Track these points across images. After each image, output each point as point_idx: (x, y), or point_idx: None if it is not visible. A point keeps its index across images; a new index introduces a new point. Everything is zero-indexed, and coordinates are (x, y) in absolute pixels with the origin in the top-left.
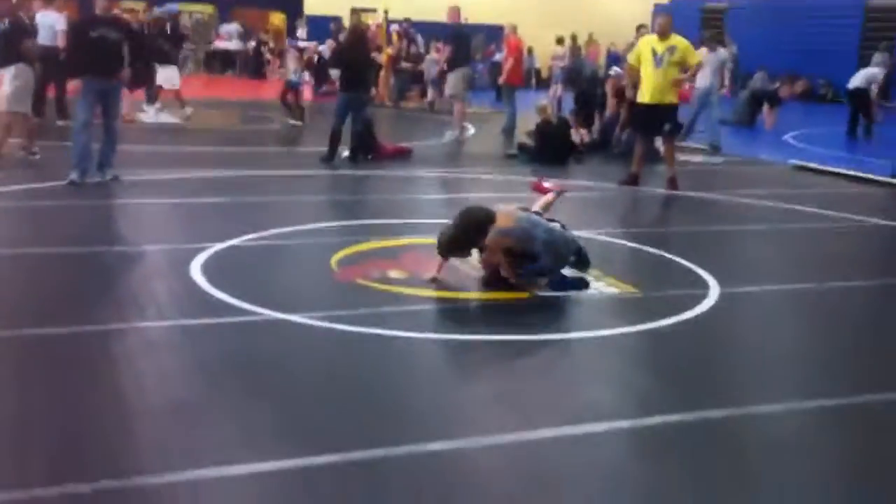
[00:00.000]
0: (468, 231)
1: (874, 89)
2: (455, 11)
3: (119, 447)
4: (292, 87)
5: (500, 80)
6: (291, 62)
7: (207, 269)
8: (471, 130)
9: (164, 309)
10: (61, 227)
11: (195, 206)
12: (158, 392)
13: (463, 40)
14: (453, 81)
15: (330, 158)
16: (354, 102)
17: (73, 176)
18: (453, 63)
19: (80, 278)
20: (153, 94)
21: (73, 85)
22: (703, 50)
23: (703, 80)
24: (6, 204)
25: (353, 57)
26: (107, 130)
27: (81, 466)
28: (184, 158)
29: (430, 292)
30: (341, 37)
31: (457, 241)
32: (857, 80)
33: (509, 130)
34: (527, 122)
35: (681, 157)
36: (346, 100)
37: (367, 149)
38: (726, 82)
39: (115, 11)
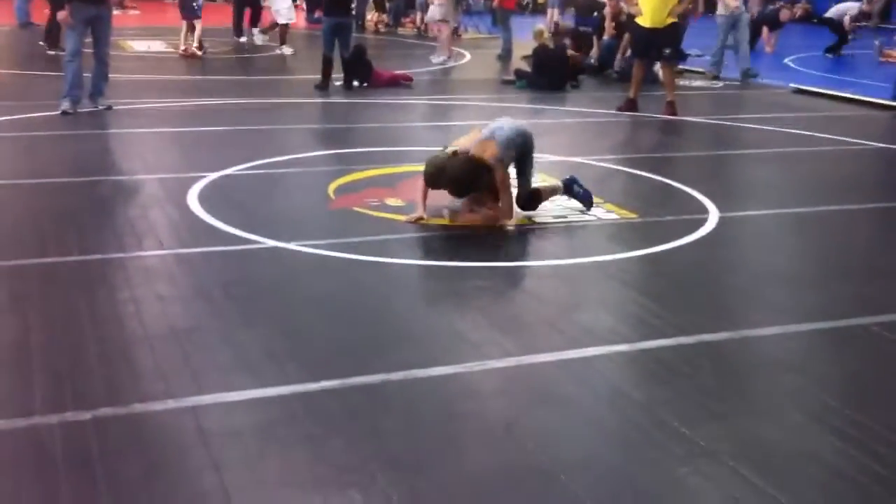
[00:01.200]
0: (470, 177)
1: (846, 21)
2: None
3: (119, 374)
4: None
5: (494, 4)
6: None
7: (205, 197)
8: (466, 56)
9: (162, 237)
10: (56, 158)
11: (190, 135)
12: (158, 320)
13: None
14: (439, 5)
15: (324, 86)
16: (340, 28)
17: (65, 105)
18: None
19: (78, 208)
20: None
21: (62, 14)
22: None
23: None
24: (1, 135)
25: None
26: (98, 59)
27: (82, 394)
28: (177, 86)
29: (427, 220)
30: None
31: (461, 184)
32: (830, 12)
33: (506, 56)
34: (524, 48)
35: (679, 81)
36: (332, 25)
37: (361, 75)
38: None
39: None
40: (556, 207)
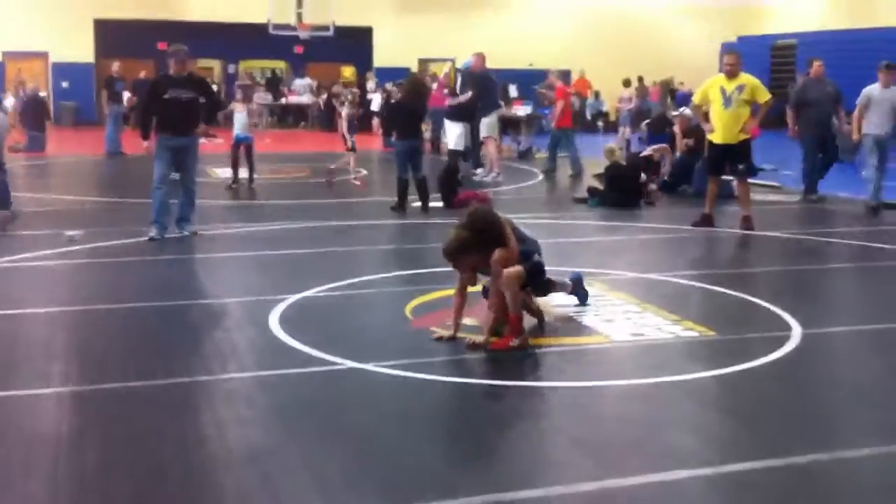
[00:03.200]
0: (480, 231)
1: None
2: (480, 57)
3: (203, 498)
4: (241, 143)
5: (553, 127)
6: (240, 112)
7: (285, 320)
8: (539, 176)
9: (245, 360)
10: (143, 282)
11: (271, 259)
12: (239, 442)
13: (490, 84)
14: (486, 124)
15: (400, 207)
16: (413, 151)
17: (153, 232)
18: (485, 107)
19: (164, 331)
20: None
21: (147, 144)
22: (876, 86)
23: (876, 123)
24: (89, 261)
25: (412, 107)
26: (184, 187)
27: None
28: (259, 212)
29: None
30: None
31: (466, 245)
32: None
33: (576, 174)
34: (596, 167)
35: (755, 196)
36: (406, 148)
37: (447, 195)
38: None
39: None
40: (632, 325)
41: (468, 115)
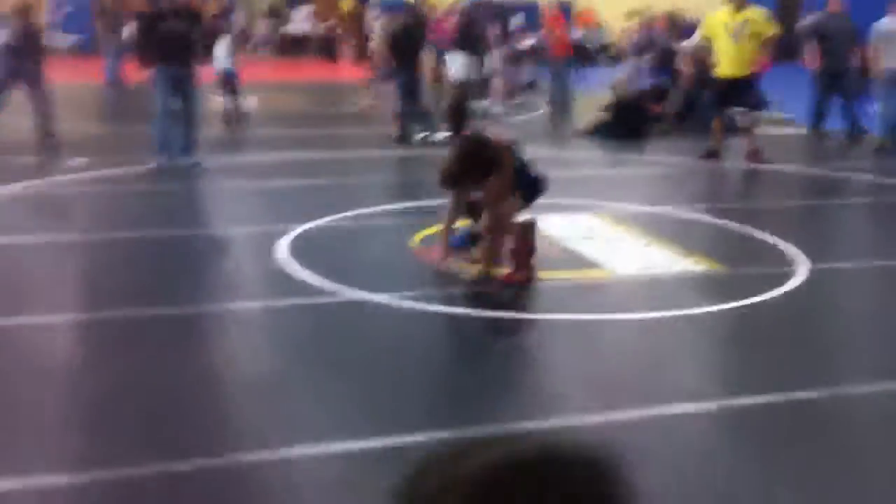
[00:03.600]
0: (472, 155)
1: None
2: None
3: (213, 425)
4: (227, 78)
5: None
6: (222, 45)
7: (292, 250)
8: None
9: (252, 290)
10: (149, 212)
11: (277, 189)
12: (249, 372)
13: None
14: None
15: (403, 138)
16: (413, 80)
17: (160, 161)
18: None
19: (172, 261)
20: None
21: (145, 74)
22: (888, 19)
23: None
24: (94, 189)
25: (413, 38)
26: (186, 116)
27: (177, 445)
28: (262, 141)
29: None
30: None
31: (459, 170)
32: None
33: (559, 109)
34: (601, 99)
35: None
36: (408, 78)
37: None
38: None
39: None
40: (638, 258)
41: (471, 45)
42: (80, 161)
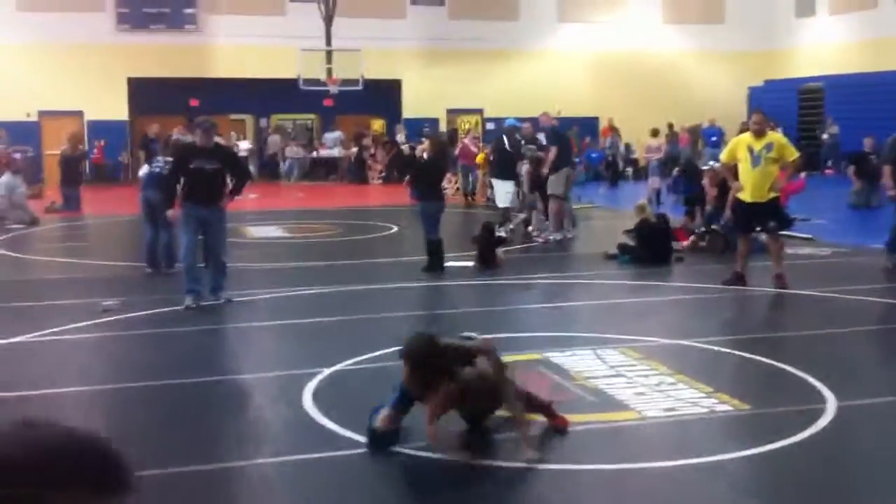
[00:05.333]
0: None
1: None
2: (547, 115)
3: None
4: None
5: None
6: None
7: (318, 396)
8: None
9: (280, 443)
10: (178, 356)
11: (304, 327)
12: None
13: (564, 141)
14: (555, 181)
15: (433, 268)
16: (439, 211)
17: (187, 301)
18: (556, 164)
19: (200, 410)
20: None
21: (172, 212)
22: None
23: None
24: (126, 332)
25: (438, 168)
26: (213, 258)
27: None
28: (291, 274)
29: (536, 415)
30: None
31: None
32: None
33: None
34: (626, 220)
35: (787, 250)
36: (435, 209)
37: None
38: None
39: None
40: (665, 398)
41: (514, 172)
42: (111, 302)
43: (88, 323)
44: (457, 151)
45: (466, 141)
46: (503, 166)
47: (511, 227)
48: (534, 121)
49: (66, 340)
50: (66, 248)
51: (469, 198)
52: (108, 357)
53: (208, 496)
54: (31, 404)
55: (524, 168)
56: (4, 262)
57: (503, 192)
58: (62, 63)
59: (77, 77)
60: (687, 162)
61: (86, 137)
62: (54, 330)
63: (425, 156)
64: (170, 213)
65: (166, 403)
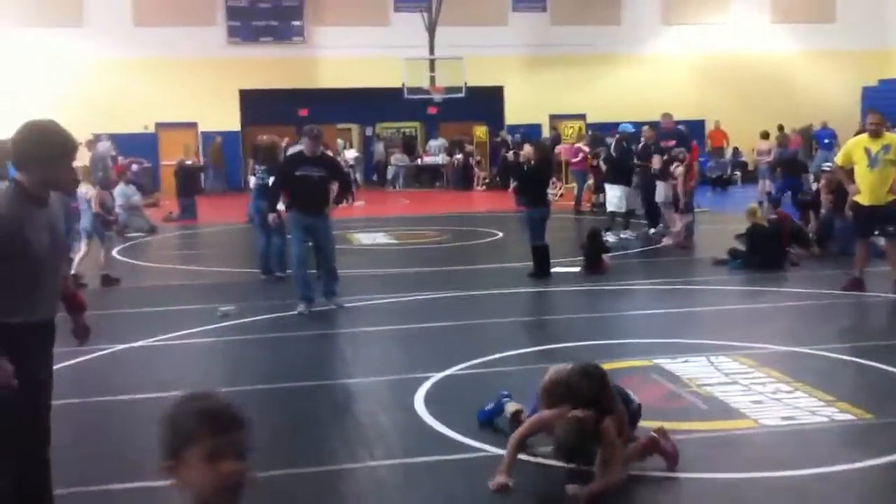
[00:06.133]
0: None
1: None
2: (669, 118)
3: None
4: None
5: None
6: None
7: (430, 400)
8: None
9: (392, 447)
10: (293, 360)
11: (415, 332)
12: None
13: (686, 144)
14: (661, 189)
15: (541, 273)
16: (545, 218)
17: (300, 308)
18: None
19: (315, 414)
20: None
21: (272, 216)
22: None
23: None
24: (242, 337)
25: (542, 175)
26: (324, 265)
27: None
28: (401, 280)
29: (650, 422)
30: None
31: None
32: None
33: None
34: (737, 224)
35: None
36: (541, 215)
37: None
38: None
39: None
40: (783, 407)
41: (627, 177)
42: (229, 308)
43: (207, 328)
44: (572, 157)
45: (580, 146)
46: (614, 171)
47: (624, 234)
48: (640, 124)
49: (186, 345)
50: (184, 256)
51: (579, 204)
52: (225, 361)
53: (321, 498)
54: (157, 405)
55: (678, 170)
56: (126, 269)
57: (614, 196)
58: (176, 76)
59: (191, 89)
60: (788, 157)
61: (200, 148)
62: (175, 334)
63: (531, 162)
64: (271, 217)
65: (281, 406)
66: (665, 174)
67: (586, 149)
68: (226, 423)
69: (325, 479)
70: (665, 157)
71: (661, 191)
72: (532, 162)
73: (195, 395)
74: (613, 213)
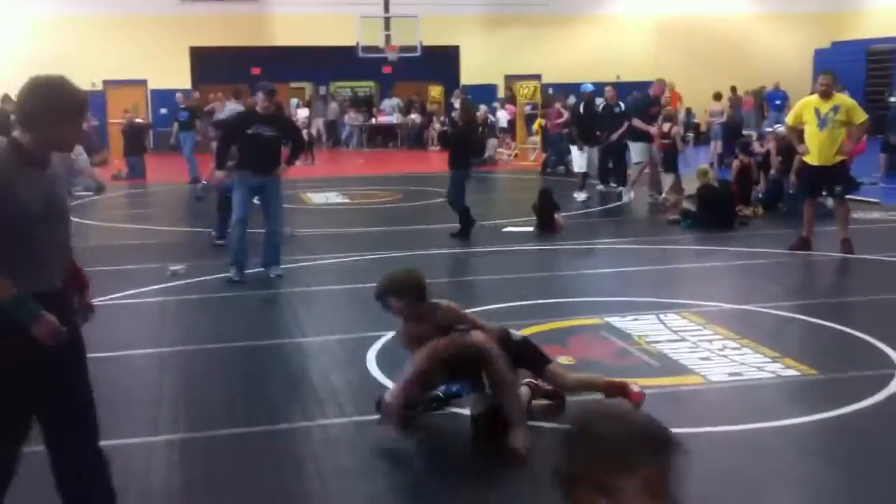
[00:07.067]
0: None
1: None
2: (662, 83)
3: None
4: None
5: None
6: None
7: (382, 358)
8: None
9: (343, 405)
10: (243, 319)
11: (367, 292)
12: (343, 493)
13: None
14: (638, 149)
15: (466, 234)
16: (466, 178)
17: (231, 272)
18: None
19: (265, 373)
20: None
21: (219, 173)
22: None
23: None
24: (193, 297)
25: (467, 138)
26: (268, 231)
27: None
28: (354, 239)
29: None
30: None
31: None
32: None
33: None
34: (688, 185)
35: (854, 214)
36: (464, 176)
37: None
38: None
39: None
40: (730, 363)
41: (590, 139)
42: (179, 267)
43: (157, 287)
44: (554, 119)
45: (560, 108)
46: (582, 132)
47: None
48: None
49: (136, 304)
50: (133, 215)
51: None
52: (177, 320)
53: (274, 455)
54: (109, 365)
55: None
56: (74, 228)
57: (580, 157)
58: (127, 33)
59: (141, 47)
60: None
61: (149, 107)
62: (125, 293)
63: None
64: (218, 174)
65: (234, 366)
66: (666, 137)
67: (565, 112)
68: (669, 448)
69: (279, 436)
70: (664, 121)
71: (642, 152)
72: (457, 126)
73: (619, 413)
74: (585, 174)
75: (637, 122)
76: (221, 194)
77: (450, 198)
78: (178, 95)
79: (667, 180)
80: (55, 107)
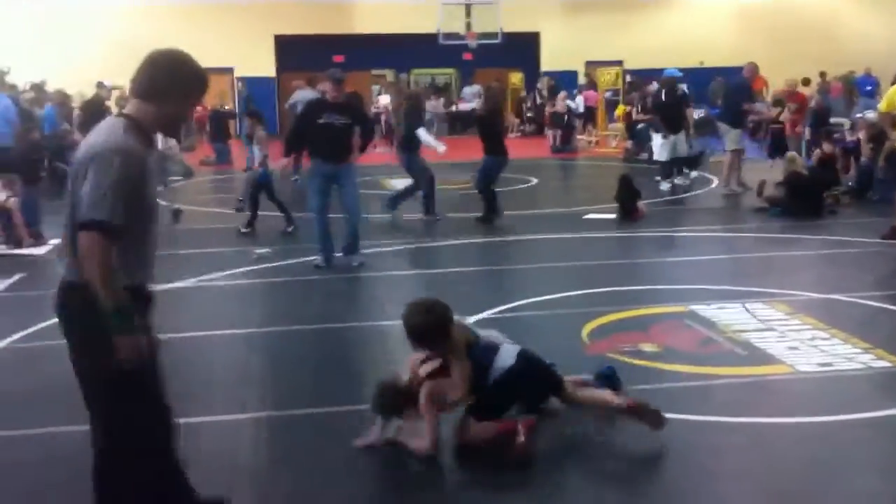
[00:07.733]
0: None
1: None
2: (753, 67)
3: None
4: (263, 185)
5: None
6: (258, 144)
7: None
8: (714, 182)
9: None
10: (326, 301)
11: (444, 277)
12: (411, 472)
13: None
14: (735, 136)
15: (490, 219)
16: (501, 165)
17: (317, 260)
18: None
19: (348, 354)
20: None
21: (284, 161)
22: None
23: None
24: (279, 279)
25: (491, 122)
26: (345, 218)
27: None
28: (429, 227)
29: (685, 367)
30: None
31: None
32: None
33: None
34: (775, 173)
35: None
36: (491, 163)
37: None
38: None
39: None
40: (819, 353)
41: (673, 125)
42: (265, 251)
43: (243, 269)
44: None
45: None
46: (663, 118)
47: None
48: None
49: (223, 286)
50: (220, 199)
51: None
52: (263, 302)
53: (357, 434)
54: (192, 344)
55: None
56: (163, 212)
57: (662, 145)
58: (213, 21)
59: (226, 34)
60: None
61: (236, 94)
62: (213, 276)
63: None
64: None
65: (316, 346)
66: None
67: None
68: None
69: (362, 417)
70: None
71: (737, 139)
72: (483, 113)
73: None
74: (673, 161)
75: (756, 106)
76: (257, 184)
77: (477, 185)
78: (239, 85)
79: (777, 166)
80: (181, 80)
